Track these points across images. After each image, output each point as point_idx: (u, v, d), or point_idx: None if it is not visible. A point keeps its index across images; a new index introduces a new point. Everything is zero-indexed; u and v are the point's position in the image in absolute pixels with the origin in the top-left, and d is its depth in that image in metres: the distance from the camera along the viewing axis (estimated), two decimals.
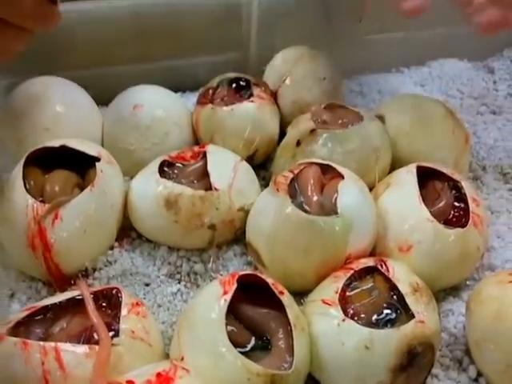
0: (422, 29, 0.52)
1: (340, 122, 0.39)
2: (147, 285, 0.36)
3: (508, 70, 0.54)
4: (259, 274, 0.29)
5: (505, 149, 0.45)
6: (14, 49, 0.34)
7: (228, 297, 0.27)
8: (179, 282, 0.36)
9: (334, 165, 0.35)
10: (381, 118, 0.41)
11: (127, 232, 0.38)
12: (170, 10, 0.46)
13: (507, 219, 0.40)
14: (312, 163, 0.35)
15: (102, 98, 0.43)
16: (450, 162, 0.39)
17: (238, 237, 0.37)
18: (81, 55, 0.45)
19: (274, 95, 0.43)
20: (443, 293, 0.35)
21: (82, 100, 0.42)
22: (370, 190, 0.37)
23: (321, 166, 0.35)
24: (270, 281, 0.29)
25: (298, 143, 0.38)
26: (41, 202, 0.33)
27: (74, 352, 0.26)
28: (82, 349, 0.26)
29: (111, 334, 0.28)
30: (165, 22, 0.46)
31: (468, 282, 0.36)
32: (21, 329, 0.27)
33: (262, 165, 0.42)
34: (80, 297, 0.29)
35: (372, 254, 0.34)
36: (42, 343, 0.26)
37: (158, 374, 0.25)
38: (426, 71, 0.53)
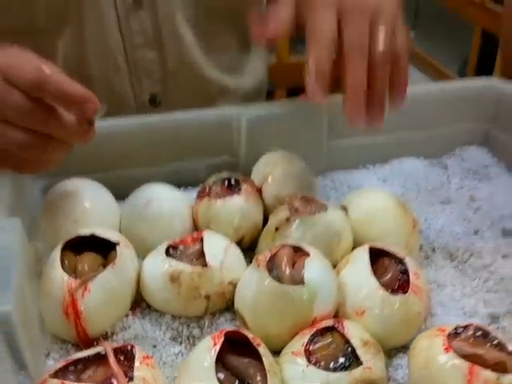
0: (385, 133, 0.63)
1: (309, 210, 0.48)
2: (154, 346, 0.44)
3: (459, 166, 0.64)
4: (241, 331, 0.38)
5: (451, 233, 0.54)
6: (57, 159, 0.45)
7: (217, 348, 0.36)
8: (180, 344, 0.44)
9: (303, 246, 0.44)
10: (345, 208, 0.51)
11: (139, 302, 0.46)
12: (174, 124, 0.57)
13: (450, 291, 0.48)
14: (286, 245, 0.44)
15: (120, 195, 0.53)
16: (402, 243, 0.48)
17: (228, 306, 0.46)
18: (103, 160, 0.55)
19: (259, 190, 0.53)
20: (395, 350, 0.43)
21: (104, 197, 0.52)
22: (335, 266, 0.46)
23: (293, 246, 0.44)
24: (249, 336, 0.38)
25: (277, 229, 0.48)
26: (74, 277, 0.42)
27: None
28: None
29: (127, 380, 0.36)
30: (170, 133, 0.57)
31: None
32: (59, 374, 0.36)
33: (249, 247, 0.51)
34: (103, 352, 0.38)
35: (335, 316, 0.43)
36: None
37: None
38: (388, 168, 0.63)
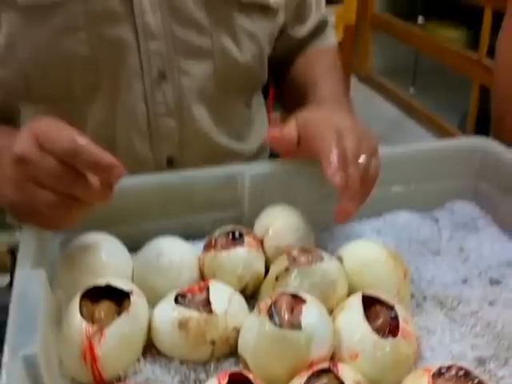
0: (379, 188, 0.67)
1: (307, 261, 0.52)
2: None
3: (449, 219, 0.68)
4: (244, 372, 0.42)
5: (441, 283, 0.58)
6: (78, 217, 0.50)
7: None
8: None
9: (300, 293, 0.48)
10: (340, 259, 0.55)
11: (150, 348, 0.50)
12: (185, 181, 0.62)
13: (440, 336, 0.51)
14: (285, 293, 0.48)
15: (133, 246, 0.58)
16: (393, 291, 0.52)
17: (232, 351, 0.49)
18: (118, 215, 0.60)
19: (261, 242, 0.58)
20: None
21: (118, 250, 0.56)
22: (331, 312, 0.50)
23: (291, 294, 0.48)
24: (251, 376, 0.41)
25: (277, 278, 0.52)
26: (91, 324, 0.46)
27: None
28: None
29: None
30: (181, 189, 0.62)
31: None
32: None
33: (251, 295, 0.55)
34: None
35: (331, 359, 0.46)
36: None
37: None
38: (381, 221, 0.67)
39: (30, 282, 0.44)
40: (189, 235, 0.62)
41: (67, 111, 0.56)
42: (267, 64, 0.78)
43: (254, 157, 0.80)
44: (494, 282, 0.58)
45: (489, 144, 0.69)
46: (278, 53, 0.79)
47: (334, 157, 0.53)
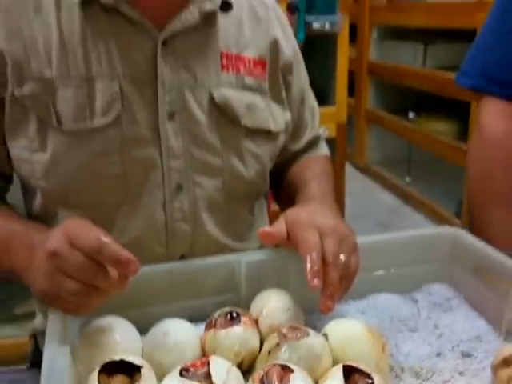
0: (363, 272, 0.75)
1: (295, 337, 0.60)
2: None
3: (427, 300, 0.76)
4: None
5: (416, 356, 0.65)
6: (97, 304, 0.59)
7: None
8: None
9: (289, 364, 0.55)
10: (325, 335, 0.63)
11: None
12: (188, 270, 0.71)
13: None
14: (276, 364, 0.55)
15: (143, 327, 0.65)
16: (372, 364, 0.59)
17: None
18: (130, 300, 0.68)
19: (256, 322, 0.65)
20: None
21: (130, 330, 0.64)
22: (317, 382, 0.57)
23: (281, 365, 0.55)
24: None
25: (269, 352, 0.59)
26: None
27: None
28: None
29: None
30: (184, 277, 0.70)
31: None
32: None
33: (248, 370, 0.62)
34: None
35: None
36: None
37: None
38: (365, 302, 0.75)
39: (57, 356, 0.52)
40: (192, 317, 0.69)
41: (97, 215, 0.67)
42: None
43: None
44: (465, 354, 0.65)
45: (459, 233, 0.78)
46: (276, 163, 0.90)
47: (313, 260, 0.62)
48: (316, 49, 2.07)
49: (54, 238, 0.57)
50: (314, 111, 0.97)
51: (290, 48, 0.89)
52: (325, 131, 1.02)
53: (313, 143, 0.98)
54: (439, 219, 2.85)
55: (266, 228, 0.69)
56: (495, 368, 0.59)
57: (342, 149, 2.14)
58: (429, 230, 0.81)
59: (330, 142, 2.16)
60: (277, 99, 0.86)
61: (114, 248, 0.56)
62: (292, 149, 0.94)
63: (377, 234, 0.76)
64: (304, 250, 0.64)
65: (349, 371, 0.56)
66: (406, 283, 0.78)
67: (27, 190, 0.81)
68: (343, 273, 0.64)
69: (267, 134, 0.84)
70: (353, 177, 3.63)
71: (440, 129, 2.95)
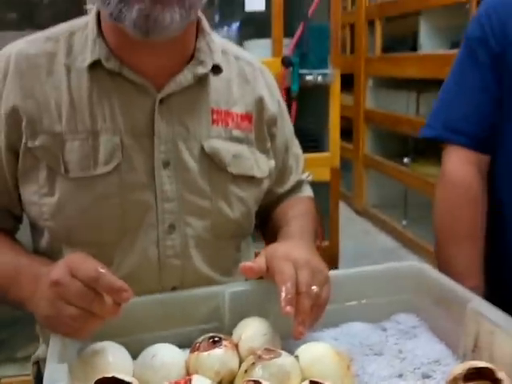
0: (337, 303, 0.83)
1: (269, 357, 0.67)
2: None
3: (395, 328, 0.83)
4: None
5: (379, 376, 0.71)
6: (93, 329, 0.67)
7: None
8: None
9: (261, 380, 0.62)
10: (297, 357, 0.70)
11: None
12: (176, 300, 0.79)
13: None
14: (250, 380, 0.63)
15: (135, 353, 0.73)
16: (338, 381, 0.66)
17: None
18: (123, 327, 0.76)
19: (236, 346, 0.73)
20: None
21: (122, 353, 0.71)
22: None
23: (254, 381, 0.62)
24: None
25: (246, 371, 0.67)
26: None
27: None
28: None
29: None
30: (173, 307, 0.78)
31: None
32: None
33: None
34: None
35: None
36: None
37: None
38: (338, 330, 0.82)
39: (57, 372, 0.60)
40: (181, 343, 0.76)
41: (98, 252, 0.76)
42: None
43: None
44: (425, 376, 0.72)
45: (423, 267, 0.87)
46: (262, 205, 1.00)
47: (288, 289, 0.70)
48: (310, 98, 2.19)
49: (57, 269, 0.66)
50: (299, 158, 1.07)
51: (275, 104, 0.99)
52: (309, 176, 1.11)
53: (297, 187, 1.07)
54: (435, 261, 2.91)
55: (247, 263, 0.77)
56: None
57: (335, 191, 2.24)
58: (396, 264, 0.89)
59: (325, 185, 2.26)
60: (262, 149, 0.96)
61: (109, 278, 0.64)
62: (277, 192, 1.03)
63: None
64: (280, 280, 0.72)
65: None
66: (377, 313, 0.86)
67: (35, 229, 0.89)
68: (315, 302, 0.72)
69: (252, 180, 0.93)
70: (351, 219, 3.72)
71: (435, 173, 3.04)
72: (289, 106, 2.07)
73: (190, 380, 0.65)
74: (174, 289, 0.88)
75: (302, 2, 2.08)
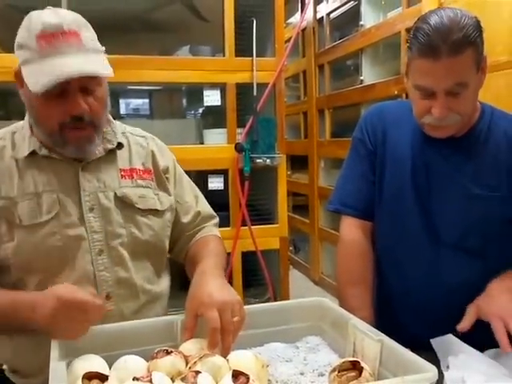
0: (260, 328, 1.13)
1: (206, 357, 0.96)
2: None
3: (305, 347, 1.12)
4: None
5: (287, 374, 1.00)
6: (82, 334, 0.96)
7: None
8: None
9: (200, 371, 0.91)
10: (227, 360, 0.99)
11: None
12: (139, 326, 1.08)
13: None
14: (192, 371, 0.91)
15: (111, 362, 1.00)
16: (255, 376, 0.95)
17: None
18: (103, 348, 1.03)
19: (183, 355, 1.01)
20: None
21: (101, 361, 0.99)
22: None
23: (195, 371, 0.91)
24: None
25: (189, 368, 0.95)
26: None
27: None
28: None
29: None
30: (137, 333, 1.07)
31: None
32: None
33: None
34: None
35: None
36: None
37: None
38: (262, 348, 1.11)
39: (59, 365, 0.87)
40: (144, 358, 1.04)
41: (50, 274, 1.15)
42: (175, 251, 1.40)
43: (163, 295, 1.35)
44: (320, 374, 1.01)
45: (324, 301, 1.18)
46: (173, 235, 1.37)
47: (213, 336, 0.99)
48: (261, 178, 2.56)
49: (60, 288, 0.99)
50: (198, 197, 1.44)
51: (166, 160, 1.38)
52: (216, 219, 1.48)
53: (203, 221, 1.43)
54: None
55: (187, 332, 1.06)
56: (329, 375, 0.95)
57: (284, 258, 2.56)
58: (306, 299, 1.20)
59: (275, 252, 2.59)
60: (163, 189, 1.34)
61: (93, 301, 0.96)
62: (183, 221, 1.40)
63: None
64: (209, 326, 1.00)
65: (237, 376, 0.91)
66: (292, 336, 1.15)
67: (1, 268, 1.18)
68: (234, 327, 1.02)
69: (156, 212, 1.31)
70: (308, 288, 4.01)
71: None
72: (242, 185, 2.44)
73: (151, 374, 0.93)
74: (107, 295, 1.22)
75: (251, 98, 2.49)
